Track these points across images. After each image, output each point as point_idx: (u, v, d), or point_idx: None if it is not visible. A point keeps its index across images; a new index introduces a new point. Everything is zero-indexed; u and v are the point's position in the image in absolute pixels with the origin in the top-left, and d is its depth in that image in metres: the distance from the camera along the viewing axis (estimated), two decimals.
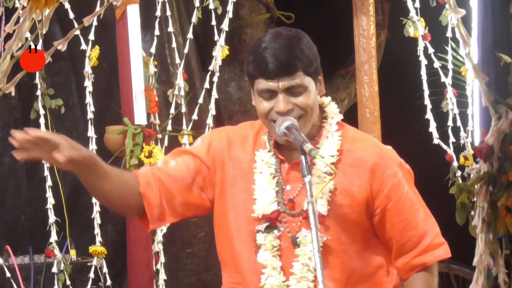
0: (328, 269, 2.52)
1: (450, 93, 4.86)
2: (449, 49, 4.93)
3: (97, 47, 4.71)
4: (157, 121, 4.58)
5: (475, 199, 3.43)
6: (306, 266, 2.54)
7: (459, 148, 4.88)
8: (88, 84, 4.72)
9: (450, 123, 4.86)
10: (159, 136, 4.58)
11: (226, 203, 2.62)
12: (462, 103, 4.92)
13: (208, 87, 4.79)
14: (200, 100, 4.85)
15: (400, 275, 2.65)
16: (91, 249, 4.58)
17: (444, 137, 4.86)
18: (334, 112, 2.66)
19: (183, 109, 4.83)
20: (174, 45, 4.92)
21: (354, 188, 2.57)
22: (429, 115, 4.82)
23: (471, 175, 3.47)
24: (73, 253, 4.82)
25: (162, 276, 4.61)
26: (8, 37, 3.01)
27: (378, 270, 2.64)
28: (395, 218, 2.60)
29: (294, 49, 2.52)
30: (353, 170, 2.55)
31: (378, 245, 2.65)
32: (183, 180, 2.62)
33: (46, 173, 4.80)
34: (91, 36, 4.70)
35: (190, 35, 4.84)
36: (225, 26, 4.73)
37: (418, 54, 4.84)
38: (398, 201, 2.60)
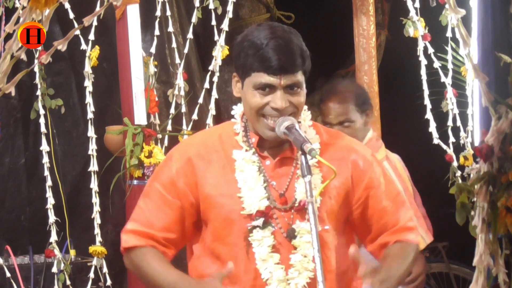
0: (323, 260, 2.52)
1: (450, 93, 4.86)
2: (449, 49, 4.93)
3: (97, 47, 4.71)
4: (157, 121, 4.58)
5: (475, 199, 3.43)
6: (306, 257, 2.55)
7: (459, 148, 4.88)
8: (88, 84, 4.72)
9: (450, 123, 4.86)
10: (159, 136, 4.58)
11: (209, 215, 2.62)
12: (462, 103, 4.92)
13: (208, 87, 4.79)
14: (200, 100, 4.85)
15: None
16: (91, 249, 4.59)
17: (444, 137, 4.87)
18: (305, 110, 2.69)
19: (183, 109, 4.83)
20: (174, 45, 4.92)
21: (337, 180, 2.59)
22: (429, 115, 4.82)
23: (471, 175, 3.47)
24: (73, 253, 4.82)
25: None
26: (8, 37, 3.01)
27: (349, 267, 2.67)
28: (376, 206, 2.67)
29: (296, 47, 2.54)
30: (335, 163, 2.54)
31: (348, 243, 2.68)
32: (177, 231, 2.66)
33: (46, 173, 4.80)
34: (91, 36, 4.70)
35: (190, 35, 4.84)
36: (225, 26, 4.73)
37: (418, 54, 4.84)
38: (377, 189, 2.66)
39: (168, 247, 2.64)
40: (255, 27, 2.60)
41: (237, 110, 2.70)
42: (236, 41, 2.62)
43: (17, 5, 4.60)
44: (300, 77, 2.55)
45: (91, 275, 4.66)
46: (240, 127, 2.67)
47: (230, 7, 4.77)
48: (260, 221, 2.56)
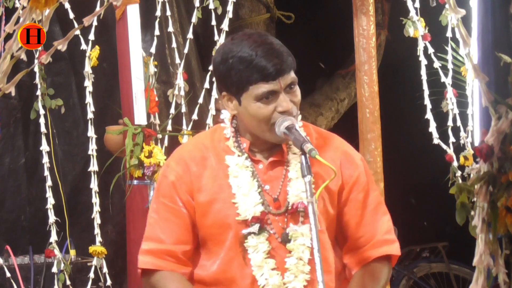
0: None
1: (450, 93, 4.86)
2: (449, 49, 4.94)
3: (97, 47, 4.71)
4: (157, 121, 4.58)
5: (475, 199, 3.43)
6: (301, 260, 2.55)
7: (459, 148, 4.88)
8: (88, 84, 4.72)
9: (450, 123, 4.86)
10: (159, 136, 4.58)
11: (205, 220, 2.62)
12: (462, 103, 4.93)
13: (208, 87, 4.79)
14: (200, 100, 4.85)
15: (348, 269, 2.69)
16: (91, 249, 4.59)
17: (444, 137, 4.87)
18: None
19: (183, 109, 4.83)
20: (174, 45, 4.92)
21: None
22: (429, 115, 4.82)
23: (471, 175, 3.47)
24: (73, 253, 4.82)
25: None
26: (8, 37, 3.01)
27: (343, 268, 2.68)
28: (354, 212, 2.66)
29: (281, 47, 2.56)
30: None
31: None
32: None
33: (46, 173, 4.80)
34: (91, 36, 4.70)
35: (190, 35, 4.84)
36: (225, 26, 4.74)
37: (418, 54, 4.84)
38: (358, 194, 2.66)
39: (187, 264, 2.62)
40: (229, 42, 2.58)
41: (226, 114, 2.70)
42: (216, 62, 2.59)
43: (17, 5, 4.60)
44: (293, 74, 2.56)
45: (91, 275, 4.66)
46: (230, 132, 2.67)
47: (230, 7, 4.76)
48: (255, 227, 2.56)
